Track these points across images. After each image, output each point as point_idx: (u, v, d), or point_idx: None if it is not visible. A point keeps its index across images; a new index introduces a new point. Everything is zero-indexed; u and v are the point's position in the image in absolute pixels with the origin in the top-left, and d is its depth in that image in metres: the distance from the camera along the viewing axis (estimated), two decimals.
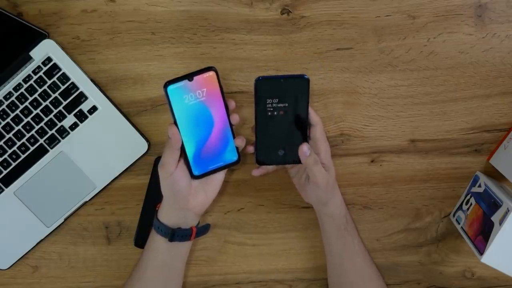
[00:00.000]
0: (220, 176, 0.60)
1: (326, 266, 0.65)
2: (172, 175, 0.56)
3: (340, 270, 0.62)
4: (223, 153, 0.58)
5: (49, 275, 0.68)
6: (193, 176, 0.57)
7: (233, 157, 0.58)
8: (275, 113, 0.56)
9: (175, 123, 0.55)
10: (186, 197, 0.58)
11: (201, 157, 0.57)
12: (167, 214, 0.59)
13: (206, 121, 0.56)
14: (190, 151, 0.56)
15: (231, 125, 0.57)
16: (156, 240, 0.59)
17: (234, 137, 0.57)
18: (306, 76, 0.54)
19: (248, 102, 0.65)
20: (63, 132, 0.64)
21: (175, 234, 0.58)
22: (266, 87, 0.55)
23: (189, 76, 0.54)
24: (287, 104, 0.55)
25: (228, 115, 0.57)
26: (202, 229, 0.63)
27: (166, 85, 0.53)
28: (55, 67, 0.63)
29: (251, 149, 0.58)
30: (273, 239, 0.68)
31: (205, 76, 0.54)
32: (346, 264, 0.62)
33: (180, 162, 0.56)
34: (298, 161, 0.56)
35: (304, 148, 0.55)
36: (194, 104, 0.55)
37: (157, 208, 0.61)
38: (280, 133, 0.57)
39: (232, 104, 0.57)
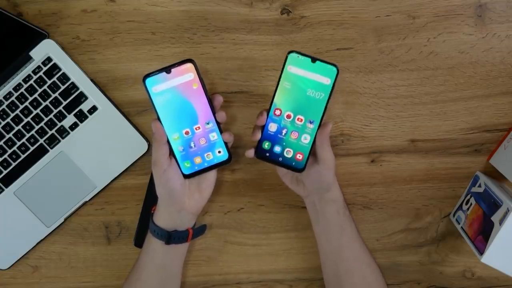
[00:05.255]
0: (213, 173, 0.59)
1: (320, 256, 0.63)
2: (166, 172, 0.55)
3: (337, 258, 0.61)
4: (212, 151, 0.57)
5: (49, 275, 0.68)
6: (184, 176, 0.57)
7: (223, 155, 0.57)
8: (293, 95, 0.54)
9: (158, 118, 0.55)
10: (182, 197, 0.57)
11: (189, 155, 0.57)
12: (163, 217, 0.59)
13: (189, 116, 0.55)
14: (177, 149, 0.56)
15: (217, 121, 0.56)
16: (153, 243, 0.59)
17: (221, 133, 0.56)
18: (337, 67, 0.53)
19: (248, 102, 0.65)
20: (63, 132, 0.64)
21: (171, 237, 0.58)
22: (295, 63, 0.53)
23: (167, 69, 0.53)
24: (309, 91, 0.53)
25: (213, 110, 0.55)
26: (199, 230, 0.63)
27: (145, 78, 0.53)
28: (55, 67, 0.63)
29: (250, 153, 0.56)
30: (273, 239, 0.68)
31: (183, 68, 0.54)
32: (345, 251, 0.61)
33: (173, 160, 0.56)
34: (298, 169, 0.56)
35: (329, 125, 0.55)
36: (175, 98, 0.54)
37: (152, 211, 0.60)
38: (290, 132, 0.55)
39: (219, 99, 0.56)
